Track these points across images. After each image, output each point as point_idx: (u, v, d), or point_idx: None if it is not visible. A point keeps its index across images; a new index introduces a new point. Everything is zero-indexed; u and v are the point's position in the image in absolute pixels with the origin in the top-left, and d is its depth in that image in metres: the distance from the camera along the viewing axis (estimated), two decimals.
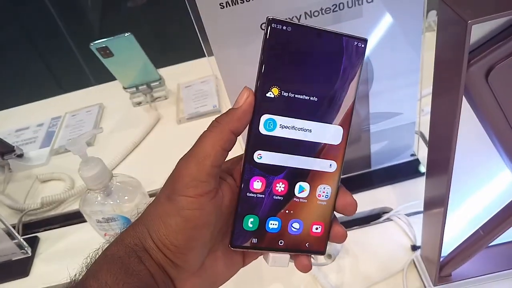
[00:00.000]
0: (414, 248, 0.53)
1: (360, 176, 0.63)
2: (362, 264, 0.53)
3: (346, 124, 0.31)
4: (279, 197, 0.31)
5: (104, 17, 2.23)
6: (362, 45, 0.30)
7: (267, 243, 0.31)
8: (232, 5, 0.44)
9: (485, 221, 0.43)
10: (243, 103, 0.29)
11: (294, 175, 0.31)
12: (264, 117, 0.30)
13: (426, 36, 0.50)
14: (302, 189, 0.31)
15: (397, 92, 0.55)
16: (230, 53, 0.48)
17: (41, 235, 0.69)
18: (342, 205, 0.32)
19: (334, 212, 0.32)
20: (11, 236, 0.64)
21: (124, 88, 0.87)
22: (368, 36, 0.49)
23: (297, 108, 0.30)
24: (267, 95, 0.30)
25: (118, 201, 0.56)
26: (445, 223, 0.41)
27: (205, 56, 0.48)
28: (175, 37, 1.98)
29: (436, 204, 0.42)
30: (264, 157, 0.30)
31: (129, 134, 0.82)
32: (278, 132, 0.30)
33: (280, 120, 0.30)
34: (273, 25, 0.28)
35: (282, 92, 0.30)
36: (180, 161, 0.31)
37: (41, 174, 0.79)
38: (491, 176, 0.43)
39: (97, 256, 0.31)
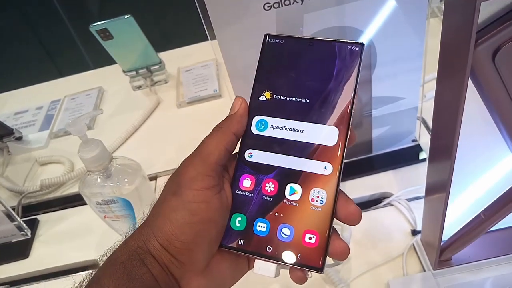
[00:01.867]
0: (414, 232, 0.53)
1: (361, 161, 0.62)
2: (362, 248, 0.53)
3: (342, 124, 0.30)
4: (268, 198, 0.31)
5: (104, 1, 2.21)
6: (357, 48, 0.30)
7: (254, 246, 0.30)
8: None
9: (486, 206, 0.43)
10: (239, 108, 0.32)
11: (285, 176, 0.31)
12: (256, 118, 0.32)
13: (430, 22, 0.50)
14: (293, 191, 0.30)
15: (400, 77, 0.54)
16: (233, 36, 0.48)
17: (40, 217, 0.69)
18: (343, 214, 0.30)
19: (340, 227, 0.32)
20: (10, 218, 0.64)
21: (124, 72, 0.86)
22: (372, 19, 0.49)
23: (288, 110, 0.31)
24: (260, 98, 0.32)
25: (118, 183, 0.56)
26: (446, 208, 0.41)
27: (206, 40, 0.48)
28: (176, 21, 1.96)
29: (438, 189, 0.41)
30: (254, 155, 0.32)
31: (129, 118, 0.81)
32: (269, 132, 0.32)
33: (271, 120, 0.32)
34: (268, 39, 0.32)
35: (274, 95, 0.32)
36: (184, 161, 0.32)
37: (40, 157, 0.78)
38: (494, 161, 0.43)
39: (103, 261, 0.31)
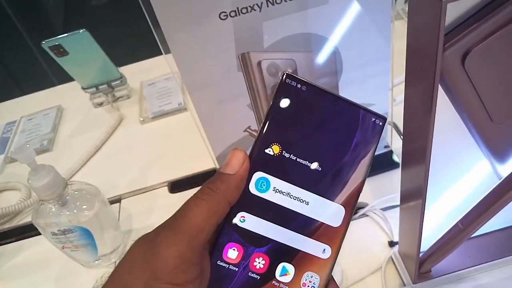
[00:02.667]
0: (392, 244, 0.51)
1: None
2: (339, 263, 0.51)
3: (349, 205, 0.27)
4: (255, 275, 0.26)
5: (67, 16, 2.14)
6: (380, 123, 0.27)
7: None
8: None
9: (463, 214, 0.41)
10: (240, 169, 0.26)
11: (279, 252, 0.26)
12: (257, 175, 0.26)
13: (395, 24, 0.48)
14: (285, 271, 0.26)
15: (368, 83, 0.52)
16: (188, 49, 0.45)
17: None
18: None
19: None
20: None
21: (83, 89, 0.82)
22: (335, 24, 0.47)
23: (297, 174, 0.26)
24: (266, 151, 0.26)
25: (75, 211, 0.52)
26: (423, 217, 0.39)
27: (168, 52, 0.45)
28: (140, 35, 1.91)
29: (413, 197, 0.39)
30: (248, 221, 0.26)
31: (90, 137, 0.77)
32: (270, 196, 0.26)
33: (275, 182, 0.26)
34: (287, 80, 0.26)
35: (283, 152, 0.26)
36: (161, 233, 0.23)
37: None
38: (469, 168, 0.41)
39: None
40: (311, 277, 0.26)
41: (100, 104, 0.85)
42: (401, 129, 0.62)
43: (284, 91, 0.26)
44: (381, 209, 0.54)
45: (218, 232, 0.26)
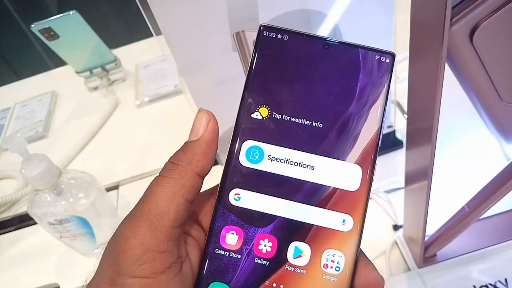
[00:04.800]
0: (396, 227, 0.49)
1: None
2: None
3: (366, 163, 0.22)
4: (263, 261, 0.22)
5: None
6: (387, 60, 0.23)
7: None
8: None
9: (470, 197, 0.40)
10: (205, 132, 0.23)
11: (288, 231, 0.22)
12: (247, 144, 0.23)
13: None
14: (299, 252, 0.22)
15: None
16: (180, 30, 0.42)
17: None
18: (362, 284, 0.22)
19: None
20: None
21: (77, 73, 0.79)
22: (333, 1, 0.44)
23: (294, 135, 0.23)
24: (253, 116, 0.23)
25: (71, 199, 0.51)
26: (429, 200, 0.37)
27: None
28: (135, 14, 1.87)
29: (419, 178, 0.38)
30: (244, 198, 0.22)
31: (86, 122, 0.75)
32: (265, 166, 0.22)
33: (268, 149, 0.23)
34: (265, 32, 0.23)
35: (274, 113, 0.23)
36: (123, 223, 0.21)
37: None
38: (476, 149, 0.39)
39: None
40: (333, 255, 0.22)
41: (95, 88, 0.83)
42: (405, 108, 0.60)
43: (263, 45, 0.23)
44: (384, 191, 0.53)
45: (212, 217, 0.23)
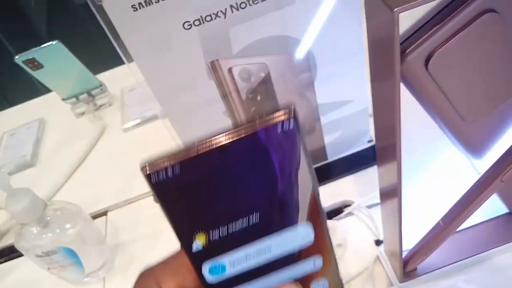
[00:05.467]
0: (378, 242, 0.50)
1: (318, 169, 0.59)
2: None
3: (314, 215, 0.23)
4: None
5: (50, 19, 2.11)
6: (290, 125, 0.20)
7: None
8: (146, 6, 0.39)
9: (444, 212, 0.40)
10: None
11: None
12: (206, 266, 0.23)
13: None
14: None
15: (344, 79, 0.51)
16: (155, 61, 0.44)
17: None
18: None
19: None
20: None
21: (63, 99, 0.80)
22: (303, 23, 0.45)
23: (238, 237, 0.23)
24: (194, 246, 0.22)
25: (57, 231, 0.51)
26: (401, 216, 0.38)
27: None
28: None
29: (390, 195, 0.38)
30: None
31: (74, 149, 0.76)
32: (230, 271, 0.23)
33: (225, 259, 0.23)
34: (153, 179, 0.20)
35: (210, 233, 0.22)
36: None
37: None
38: (448, 164, 0.40)
39: None
40: (317, 284, 0.25)
41: (82, 114, 0.83)
42: None
43: (160, 188, 0.20)
44: (366, 206, 0.54)
45: None
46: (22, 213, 0.48)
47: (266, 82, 0.48)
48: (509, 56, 0.30)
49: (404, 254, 0.44)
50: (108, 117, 0.82)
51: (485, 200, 0.39)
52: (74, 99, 0.81)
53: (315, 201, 0.23)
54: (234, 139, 0.20)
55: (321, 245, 0.24)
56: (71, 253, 0.52)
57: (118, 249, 0.60)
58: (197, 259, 0.23)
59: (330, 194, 0.57)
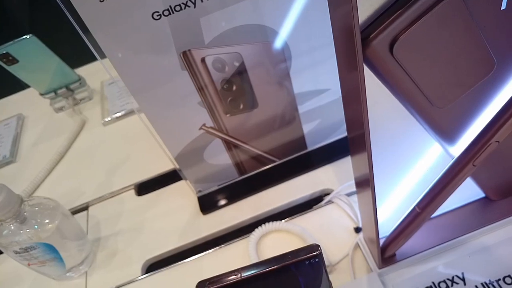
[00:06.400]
0: (358, 230, 0.50)
1: (298, 159, 0.59)
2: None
3: None
4: None
5: (31, 13, 2.08)
6: (316, 260, 0.26)
7: None
8: None
9: (420, 197, 0.41)
10: None
11: None
12: None
13: None
14: None
15: (320, 68, 0.51)
16: (125, 53, 0.43)
17: None
18: None
19: None
20: None
21: (41, 95, 0.79)
22: (276, 11, 0.45)
23: None
24: None
25: (36, 226, 0.50)
26: (375, 204, 0.38)
27: None
28: None
29: (364, 183, 0.38)
30: None
31: (54, 144, 0.75)
32: None
33: None
34: None
35: None
36: None
37: None
38: (421, 149, 0.40)
39: None
40: None
41: (61, 109, 0.82)
42: None
43: None
44: (346, 194, 0.54)
45: None
46: None
47: (240, 71, 0.48)
48: (475, 40, 0.30)
49: (382, 241, 0.44)
50: (88, 111, 0.81)
51: (459, 185, 0.39)
52: (52, 94, 0.80)
53: None
54: (271, 268, 0.25)
55: None
56: (51, 249, 0.51)
57: (100, 243, 0.59)
58: None
59: (310, 183, 0.57)
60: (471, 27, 0.29)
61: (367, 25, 0.28)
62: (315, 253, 0.26)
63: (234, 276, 0.25)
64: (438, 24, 0.28)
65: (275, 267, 0.25)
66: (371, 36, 0.28)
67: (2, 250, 0.51)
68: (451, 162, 0.38)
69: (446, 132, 0.37)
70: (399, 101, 0.34)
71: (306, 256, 0.26)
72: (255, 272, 0.25)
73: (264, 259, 0.26)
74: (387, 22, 0.28)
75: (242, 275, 0.25)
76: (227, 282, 0.25)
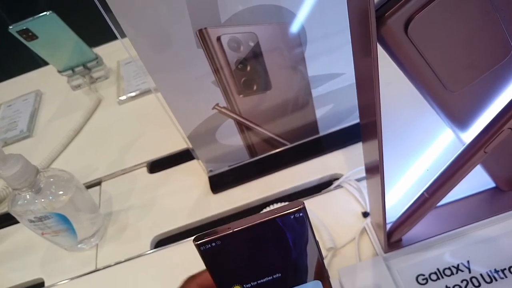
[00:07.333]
0: (365, 214, 0.51)
1: (309, 143, 0.59)
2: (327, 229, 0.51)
3: (321, 274, 0.31)
4: None
5: None
6: (300, 214, 0.28)
7: None
8: None
9: (429, 183, 0.41)
10: None
11: None
12: None
13: None
14: None
15: (336, 52, 0.51)
16: (143, 32, 0.44)
17: None
18: None
19: None
20: None
21: (59, 72, 0.81)
22: None
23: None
24: None
25: (50, 197, 0.52)
26: (384, 189, 0.38)
27: None
28: None
29: (373, 169, 0.39)
30: None
31: (70, 121, 0.77)
32: None
33: None
34: (202, 248, 0.28)
35: (244, 286, 0.30)
36: None
37: None
38: (432, 136, 0.40)
39: None
40: None
41: (78, 86, 0.84)
42: None
43: (206, 256, 0.29)
44: (355, 179, 0.54)
45: None
46: (14, 178, 0.49)
47: (255, 52, 0.48)
48: (492, 23, 0.30)
49: (389, 226, 0.45)
50: (104, 90, 0.82)
51: (469, 171, 0.39)
52: (70, 72, 0.81)
53: (320, 265, 0.30)
54: (258, 221, 0.28)
55: None
56: (64, 219, 0.53)
57: (111, 218, 0.61)
58: None
59: (319, 167, 0.58)
60: (488, 9, 0.29)
61: (383, 3, 0.28)
62: (298, 207, 0.28)
63: (226, 230, 0.28)
64: (454, 5, 0.28)
65: (261, 220, 0.28)
66: (386, 15, 0.28)
67: (18, 218, 0.53)
68: (462, 148, 0.38)
69: (459, 117, 0.37)
70: (413, 84, 0.34)
71: (290, 210, 0.28)
72: (244, 226, 0.28)
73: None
74: (402, 1, 0.28)
75: (234, 229, 0.28)
76: (220, 234, 0.28)
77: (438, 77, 0.32)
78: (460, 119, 0.37)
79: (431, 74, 0.32)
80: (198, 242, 0.28)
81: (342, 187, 0.55)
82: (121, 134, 0.72)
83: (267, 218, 0.28)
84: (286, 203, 0.30)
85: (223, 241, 0.28)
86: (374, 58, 0.28)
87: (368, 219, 0.50)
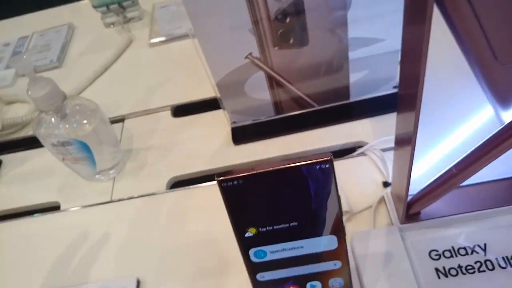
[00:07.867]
0: (386, 184, 0.50)
1: (337, 108, 0.58)
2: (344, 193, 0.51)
3: (338, 230, 0.31)
4: None
5: None
6: (327, 165, 0.27)
7: None
8: None
9: (459, 159, 0.40)
10: None
11: (302, 279, 0.34)
12: (252, 251, 0.32)
13: None
14: (313, 286, 0.35)
15: (380, 17, 0.49)
16: None
17: (4, 157, 0.67)
18: None
19: None
20: None
21: (94, 7, 0.80)
22: None
23: (280, 235, 0.31)
24: (246, 235, 0.31)
25: (74, 125, 0.52)
26: (412, 161, 0.38)
27: None
28: None
29: (405, 142, 0.38)
30: (266, 276, 0.34)
31: (100, 57, 0.77)
32: (270, 257, 0.33)
33: (268, 248, 0.32)
34: (223, 184, 0.28)
35: (260, 229, 0.31)
36: None
37: (5, 95, 0.74)
38: (470, 111, 0.39)
39: None
40: (335, 280, 0.35)
41: (111, 25, 0.83)
42: None
43: (228, 194, 0.29)
44: (381, 149, 0.53)
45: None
46: (42, 99, 0.49)
47: (297, 3, 0.46)
48: None
49: (409, 198, 0.44)
50: (136, 30, 0.82)
51: (503, 152, 0.37)
52: (105, 8, 0.80)
53: (339, 220, 0.31)
54: (283, 167, 0.27)
55: (341, 252, 0.33)
56: (85, 147, 0.53)
57: (131, 154, 0.61)
58: (246, 244, 0.32)
59: (345, 133, 0.57)
60: None
61: None
62: (326, 158, 0.27)
63: (250, 171, 0.28)
64: None
65: (286, 166, 0.27)
66: None
67: (41, 141, 0.54)
68: (501, 126, 0.37)
69: (503, 93, 0.35)
70: (462, 52, 0.32)
71: (316, 160, 0.27)
72: (268, 169, 0.27)
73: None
74: None
75: (257, 171, 0.28)
76: (243, 174, 0.28)
77: (490, 45, 0.30)
78: (504, 96, 0.35)
79: (484, 41, 0.30)
80: (221, 178, 0.28)
81: (365, 155, 0.54)
82: (149, 76, 0.72)
83: (292, 165, 0.27)
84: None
85: (246, 181, 0.28)
86: (428, 17, 0.27)
87: (388, 189, 0.49)
